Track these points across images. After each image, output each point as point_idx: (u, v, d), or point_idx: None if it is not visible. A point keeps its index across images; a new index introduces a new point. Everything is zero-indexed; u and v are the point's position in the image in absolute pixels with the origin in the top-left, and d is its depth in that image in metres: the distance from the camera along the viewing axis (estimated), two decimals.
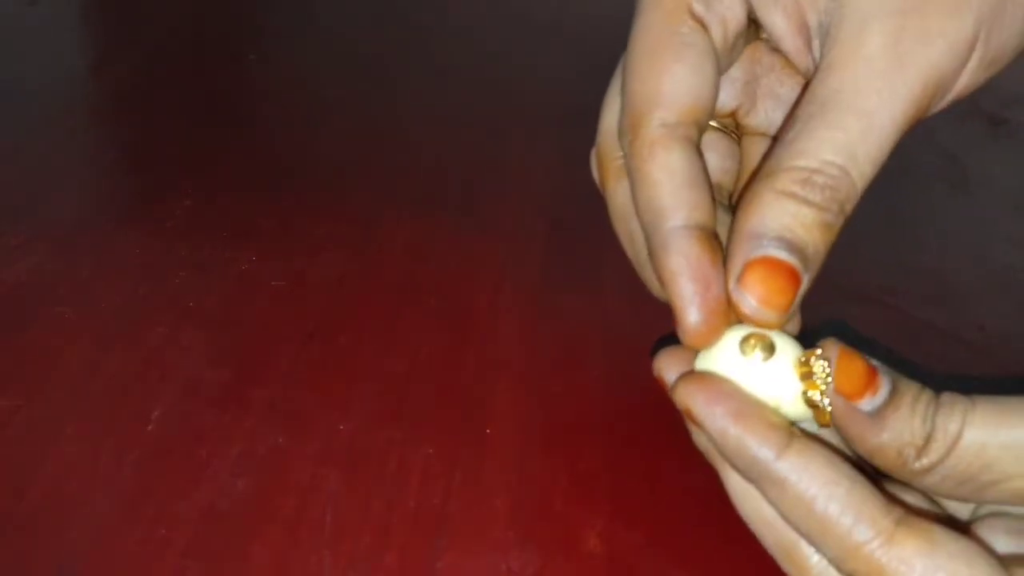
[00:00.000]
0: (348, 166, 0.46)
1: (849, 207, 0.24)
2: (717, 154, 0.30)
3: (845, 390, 0.22)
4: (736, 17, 0.27)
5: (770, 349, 0.23)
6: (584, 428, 0.33)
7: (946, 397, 0.22)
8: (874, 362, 0.23)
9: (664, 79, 0.26)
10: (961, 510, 0.25)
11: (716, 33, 0.27)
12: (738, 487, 0.24)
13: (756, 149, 0.30)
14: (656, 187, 0.25)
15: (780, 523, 0.23)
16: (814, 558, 0.23)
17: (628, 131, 0.26)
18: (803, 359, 0.23)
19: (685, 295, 0.24)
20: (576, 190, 0.46)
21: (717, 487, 0.25)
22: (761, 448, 0.22)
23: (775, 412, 0.23)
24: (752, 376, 0.23)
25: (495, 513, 0.29)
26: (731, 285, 0.23)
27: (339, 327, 0.36)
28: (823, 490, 0.21)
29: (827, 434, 0.25)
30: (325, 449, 0.31)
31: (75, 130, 0.46)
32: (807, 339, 0.24)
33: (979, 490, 0.22)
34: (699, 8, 0.26)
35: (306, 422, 0.32)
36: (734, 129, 0.31)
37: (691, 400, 0.23)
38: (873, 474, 0.25)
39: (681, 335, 0.24)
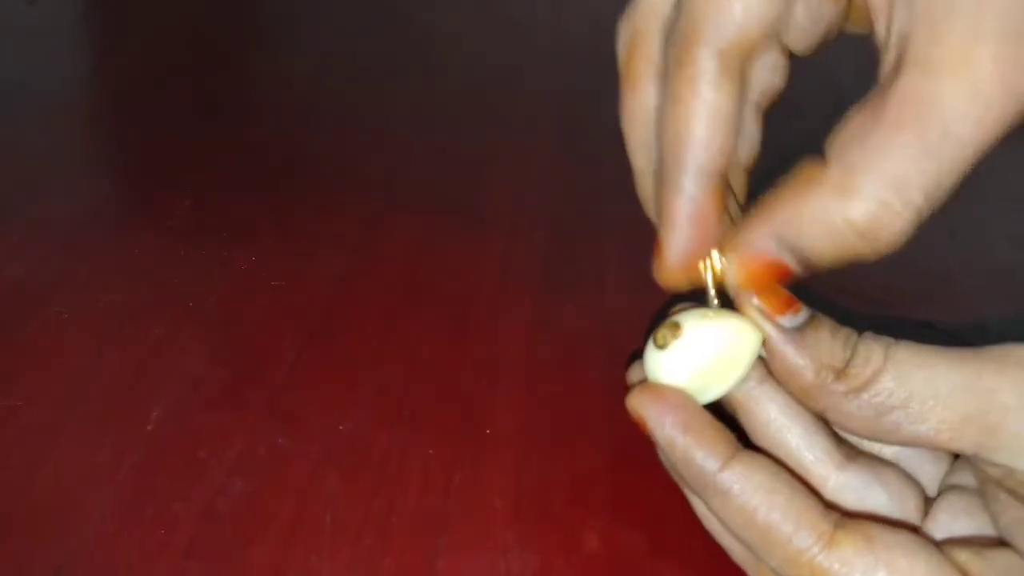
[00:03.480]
0: (348, 166, 0.46)
1: (905, 234, 0.22)
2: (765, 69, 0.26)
3: (768, 305, 0.23)
4: None
5: (676, 326, 0.25)
6: (584, 428, 0.33)
7: (868, 333, 0.23)
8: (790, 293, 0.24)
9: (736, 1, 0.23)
10: (928, 486, 0.26)
11: None
12: (703, 507, 0.25)
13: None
14: (692, 123, 0.23)
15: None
16: None
17: (681, 47, 0.23)
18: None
19: (679, 236, 0.24)
20: (576, 190, 0.46)
21: None
22: (707, 459, 0.23)
23: (722, 427, 0.24)
24: (689, 355, 0.24)
25: (495, 514, 0.29)
26: (731, 259, 0.23)
27: (339, 327, 0.36)
28: (764, 499, 0.22)
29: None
30: (325, 449, 0.31)
31: (75, 130, 0.46)
32: None
33: (895, 427, 0.22)
34: None
35: (306, 422, 0.32)
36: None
37: (643, 410, 0.24)
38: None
39: (656, 268, 0.25)
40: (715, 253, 0.24)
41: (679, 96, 0.24)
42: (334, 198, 0.43)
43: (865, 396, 0.22)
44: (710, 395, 0.25)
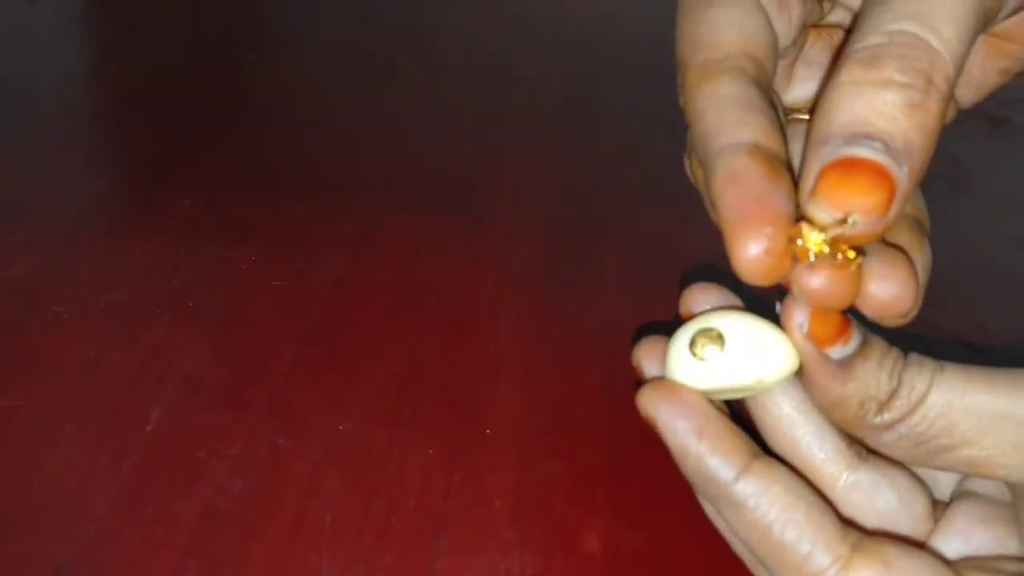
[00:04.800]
0: (348, 166, 0.46)
1: (940, 79, 0.19)
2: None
3: (818, 335, 0.21)
4: None
5: (720, 340, 0.23)
6: (584, 428, 0.33)
7: (914, 357, 0.22)
8: (847, 314, 0.22)
9: (702, 26, 0.23)
10: (940, 489, 0.26)
11: None
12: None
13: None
14: (702, 116, 0.22)
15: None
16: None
17: (680, 83, 0.24)
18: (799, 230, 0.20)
19: (732, 211, 0.20)
20: (576, 190, 0.46)
21: None
22: (721, 467, 0.22)
23: (739, 432, 0.23)
24: (722, 371, 0.23)
25: (495, 513, 0.29)
26: (806, 203, 0.20)
27: (339, 327, 0.36)
28: (781, 514, 0.21)
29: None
30: (325, 449, 0.31)
31: (75, 130, 0.46)
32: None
33: (934, 454, 0.21)
34: None
35: (306, 422, 0.32)
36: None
37: (654, 410, 0.23)
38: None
39: (736, 266, 0.20)
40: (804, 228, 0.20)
41: (688, 105, 0.23)
42: (334, 198, 0.43)
43: (903, 428, 0.21)
44: (726, 397, 0.24)
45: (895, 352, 0.22)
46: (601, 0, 0.66)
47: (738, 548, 0.25)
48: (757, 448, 0.23)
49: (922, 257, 0.24)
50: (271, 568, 0.27)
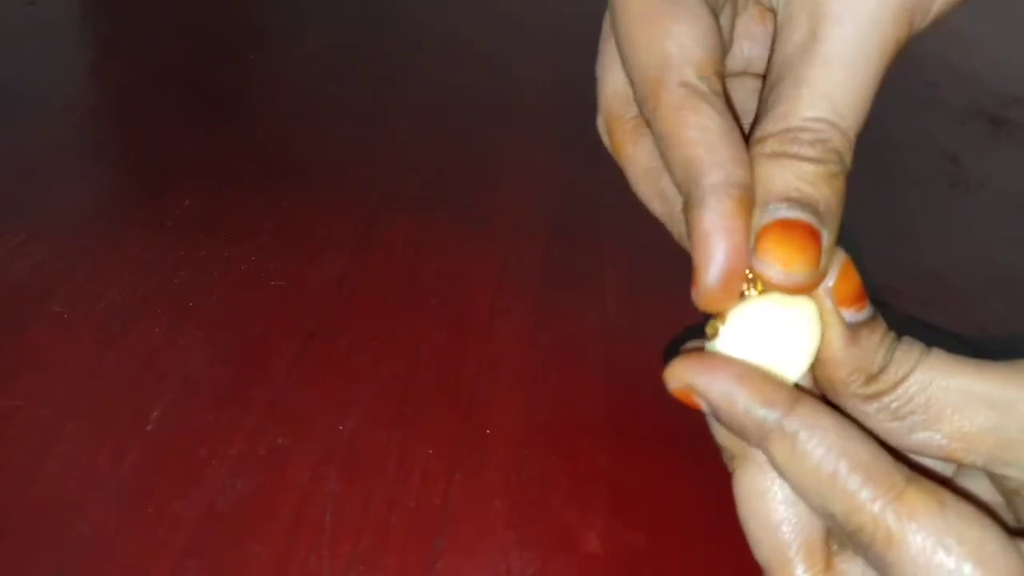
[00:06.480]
0: (348, 166, 0.46)
1: (847, 155, 0.23)
2: None
3: (840, 292, 0.23)
4: None
5: (721, 313, 0.23)
6: (584, 428, 0.33)
7: (907, 339, 0.23)
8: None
9: (668, 42, 0.25)
10: None
11: None
12: (748, 487, 0.24)
13: (736, 90, 0.29)
14: (691, 146, 0.24)
15: (780, 532, 0.24)
16: None
17: (648, 99, 0.25)
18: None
19: (710, 254, 0.23)
20: (576, 190, 0.47)
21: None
22: (770, 405, 0.22)
23: (778, 377, 0.23)
24: (746, 333, 0.23)
25: (495, 513, 0.29)
26: (751, 259, 0.22)
27: (339, 327, 0.36)
28: (834, 446, 0.21)
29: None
30: (325, 449, 0.31)
31: (75, 130, 0.46)
32: None
33: (909, 430, 0.22)
34: None
35: (306, 422, 0.32)
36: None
37: (690, 375, 0.23)
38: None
39: (695, 295, 0.23)
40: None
41: (669, 130, 0.24)
42: (334, 198, 0.43)
43: (886, 400, 0.22)
44: (790, 373, 0.24)
45: (893, 334, 0.23)
46: (598, 2, 0.66)
47: (762, 547, 0.24)
48: (798, 391, 0.23)
49: None
50: (271, 568, 0.27)
